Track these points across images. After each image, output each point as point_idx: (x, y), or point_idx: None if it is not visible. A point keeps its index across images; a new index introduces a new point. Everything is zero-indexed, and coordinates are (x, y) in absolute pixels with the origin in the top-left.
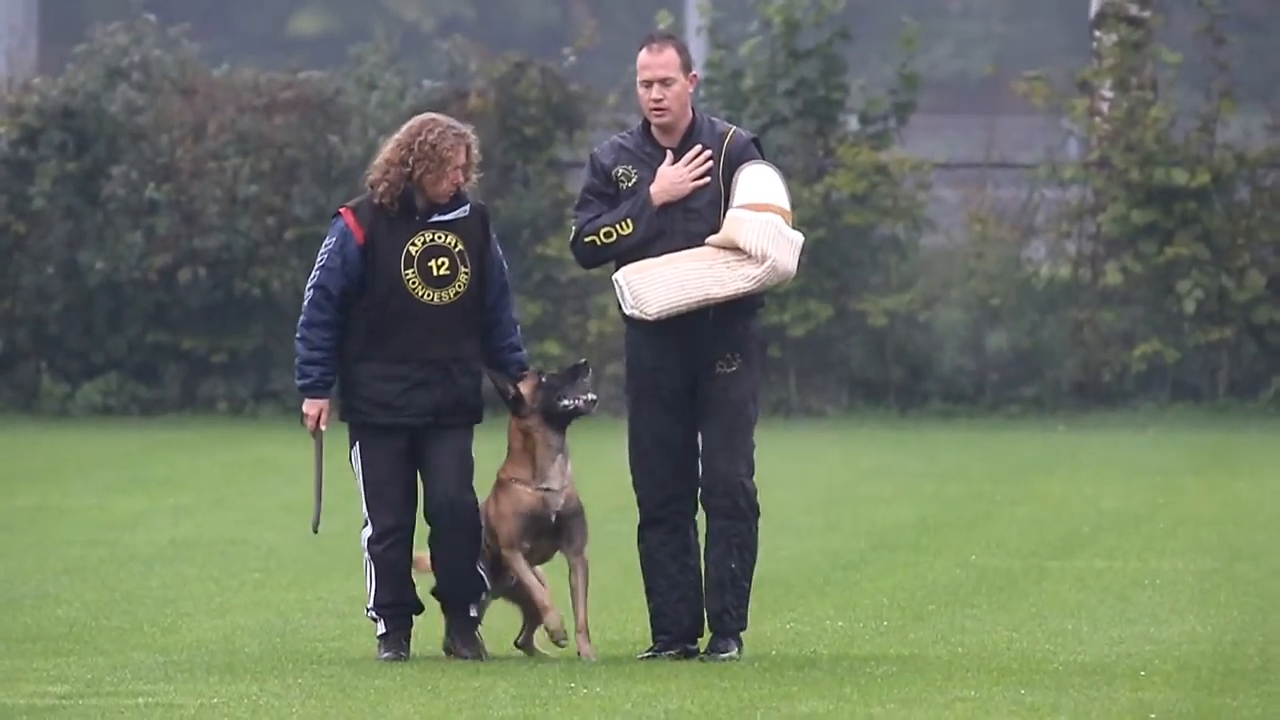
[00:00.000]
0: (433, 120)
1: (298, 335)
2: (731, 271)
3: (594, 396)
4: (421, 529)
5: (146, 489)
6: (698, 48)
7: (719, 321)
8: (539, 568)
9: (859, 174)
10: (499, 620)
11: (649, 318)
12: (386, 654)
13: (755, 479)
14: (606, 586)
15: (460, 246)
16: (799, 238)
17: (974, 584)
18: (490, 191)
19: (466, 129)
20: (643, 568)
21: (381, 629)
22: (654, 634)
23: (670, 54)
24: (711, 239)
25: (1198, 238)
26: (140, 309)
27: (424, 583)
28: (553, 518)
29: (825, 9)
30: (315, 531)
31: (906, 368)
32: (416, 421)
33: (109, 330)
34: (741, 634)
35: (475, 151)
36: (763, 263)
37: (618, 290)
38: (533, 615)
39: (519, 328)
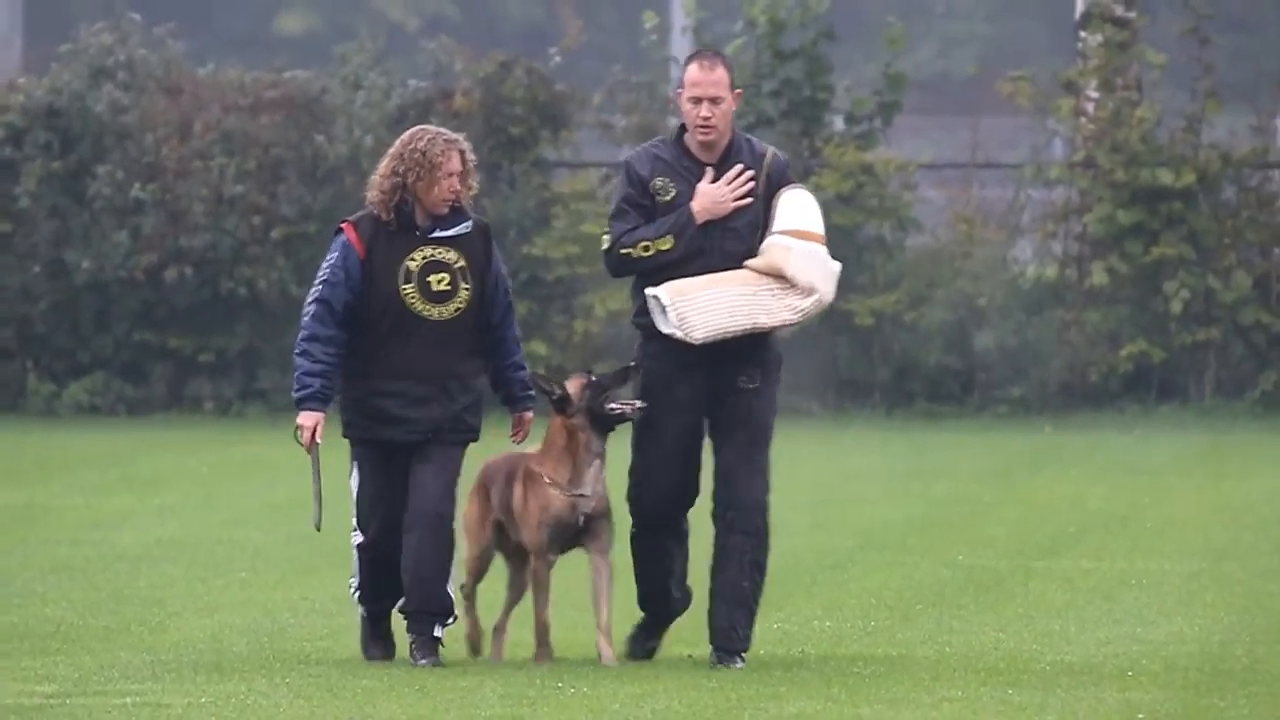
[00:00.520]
0: (422, 129)
1: (298, 350)
2: (777, 301)
3: (643, 404)
4: None
5: (133, 488)
6: (683, 48)
7: (743, 338)
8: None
9: (845, 174)
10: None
11: (695, 342)
12: (374, 650)
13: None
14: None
15: (461, 263)
16: (838, 267)
17: (961, 584)
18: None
19: (458, 136)
20: (638, 562)
21: (363, 612)
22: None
23: (721, 72)
24: (753, 263)
25: (1184, 238)
26: (126, 308)
27: None
28: (580, 521)
29: (810, 9)
30: (318, 529)
31: (893, 368)
32: (414, 438)
33: (95, 330)
34: (744, 654)
35: (471, 160)
36: (809, 295)
37: (653, 306)
38: (514, 599)
39: (521, 346)
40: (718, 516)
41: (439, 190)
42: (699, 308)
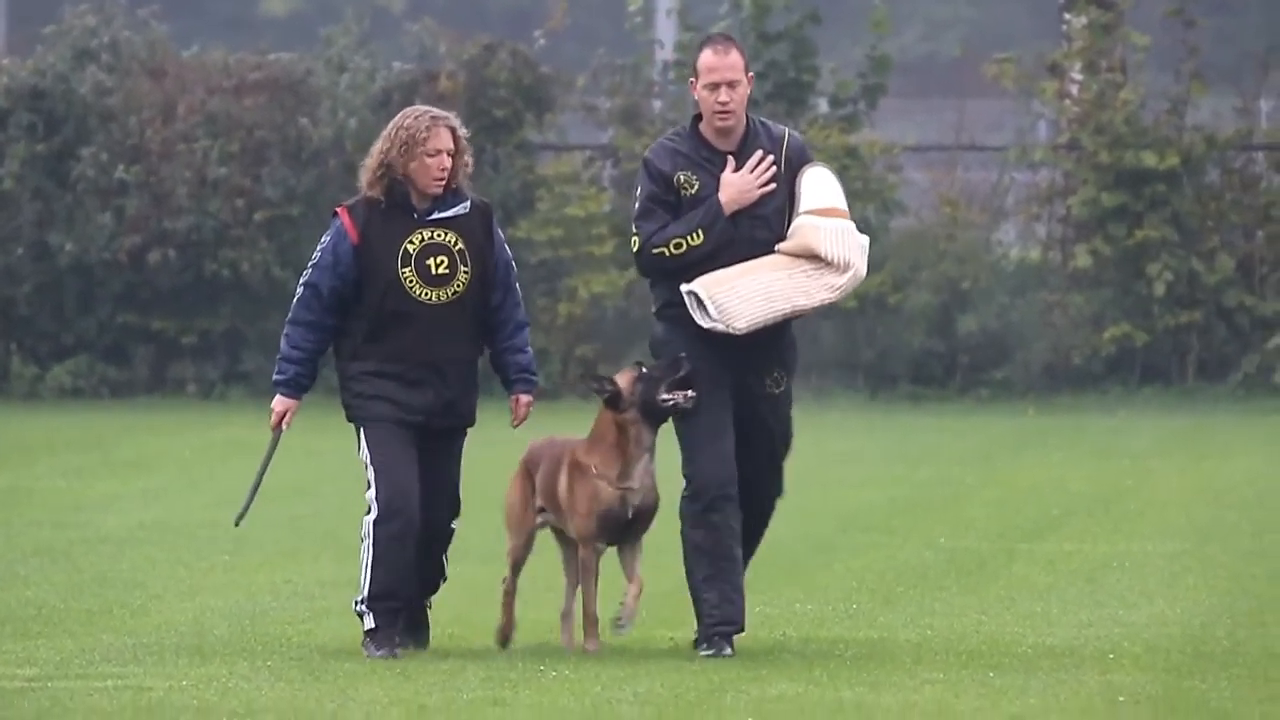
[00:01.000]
0: (411, 108)
1: (284, 332)
2: (813, 281)
3: (694, 393)
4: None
5: (116, 471)
6: (668, 30)
7: (770, 332)
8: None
9: (829, 156)
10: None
11: (738, 332)
12: (379, 651)
13: None
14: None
15: (460, 245)
16: (867, 240)
17: (943, 567)
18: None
19: (448, 114)
20: (702, 552)
21: (370, 624)
22: (715, 624)
23: (735, 56)
24: (783, 246)
25: (1167, 220)
26: (110, 290)
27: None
28: (630, 514)
29: None
30: (237, 525)
31: (876, 350)
32: (409, 419)
33: (79, 312)
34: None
35: (463, 137)
36: (845, 271)
37: (691, 302)
38: (575, 582)
39: (528, 330)
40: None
41: (427, 168)
42: (738, 297)
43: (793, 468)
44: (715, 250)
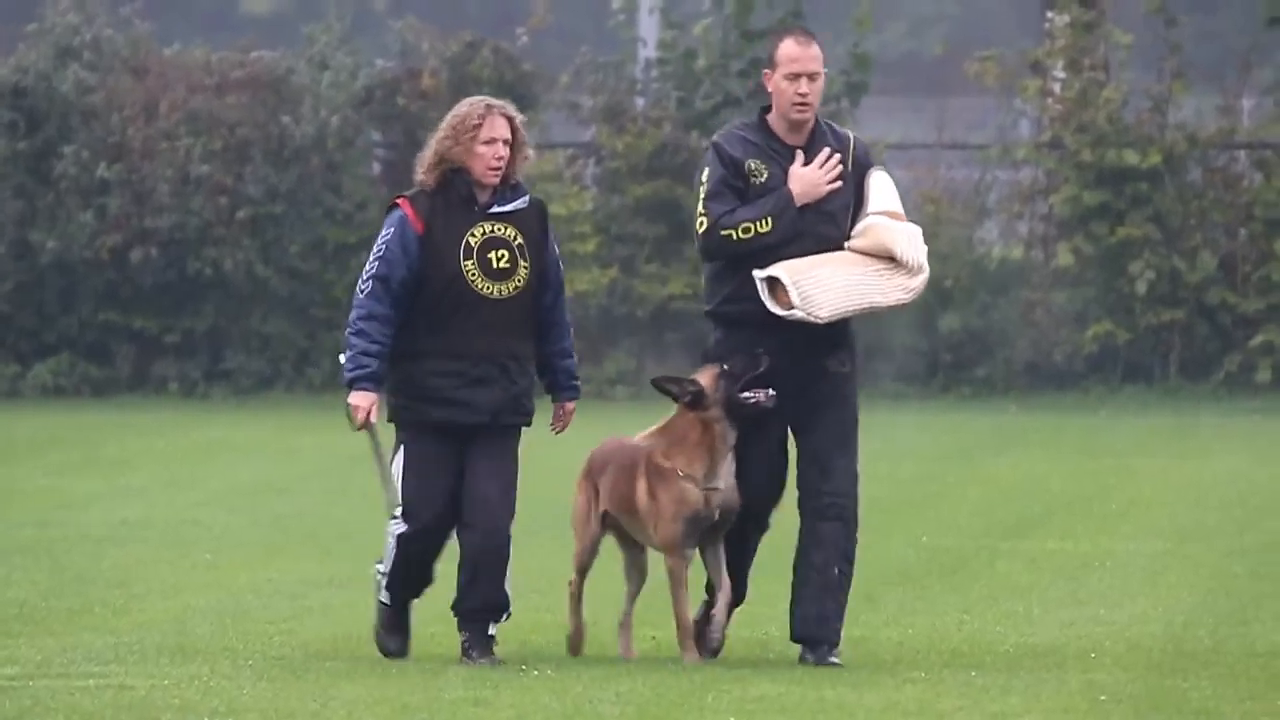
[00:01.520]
0: (470, 97)
1: (352, 330)
2: (886, 281)
3: (774, 391)
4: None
5: (98, 469)
6: (650, 29)
7: (831, 326)
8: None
9: None
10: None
11: (820, 320)
12: (391, 643)
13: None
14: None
15: (520, 239)
16: (926, 248)
17: (925, 565)
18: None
19: (504, 102)
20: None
21: (386, 598)
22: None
23: (816, 48)
24: (856, 244)
25: (1149, 218)
26: (92, 289)
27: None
28: (716, 515)
29: None
30: (390, 510)
31: (859, 348)
32: (472, 419)
33: (60, 310)
34: (837, 646)
35: (521, 127)
36: (918, 274)
37: (763, 288)
38: (635, 590)
39: (570, 332)
40: (807, 503)
41: (481, 158)
42: (821, 287)
43: None
44: (781, 240)
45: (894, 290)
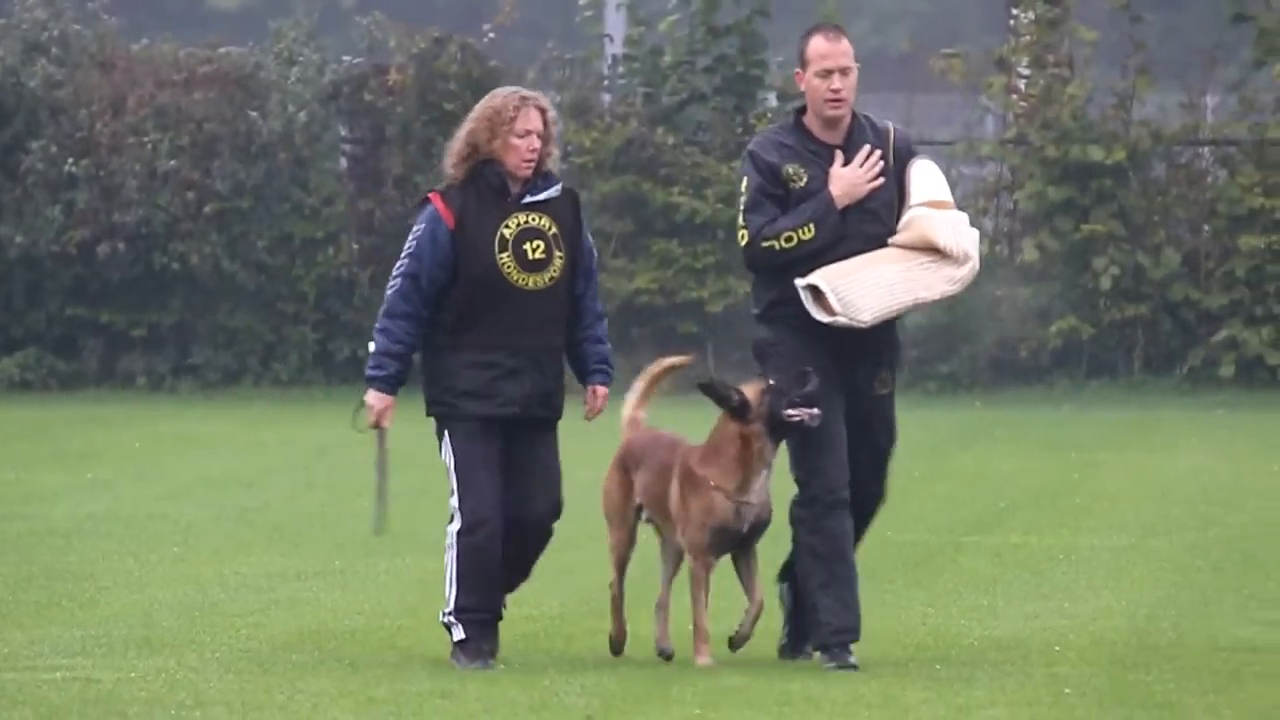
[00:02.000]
0: (502, 88)
1: (379, 327)
2: (932, 274)
3: (819, 411)
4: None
5: (65, 463)
6: (617, 25)
7: (876, 332)
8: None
9: None
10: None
11: (863, 324)
12: (472, 664)
13: None
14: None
15: (554, 229)
16: (977, 234)
17: (891, 559)
18: (410, 166)
19: (538, 94)
20: (818, 557)
21: (460, 634)
22: (833, 633)
23: (846, 43)
24: (899, 239)
25: (1114, 214)
26: (59, 283)
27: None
28: (745, 529)
29: None
30: (377, 534)
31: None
32: (504, 412)
33: (28, 304)
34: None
35: (554, 119)
36: (964, 263)
37: (807, 296)
38: (672, 572)
39: (603, 320)
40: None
41: (515, 149)
42: (861, 289)
43: None
44: (826, 244)
45: (939, 283)
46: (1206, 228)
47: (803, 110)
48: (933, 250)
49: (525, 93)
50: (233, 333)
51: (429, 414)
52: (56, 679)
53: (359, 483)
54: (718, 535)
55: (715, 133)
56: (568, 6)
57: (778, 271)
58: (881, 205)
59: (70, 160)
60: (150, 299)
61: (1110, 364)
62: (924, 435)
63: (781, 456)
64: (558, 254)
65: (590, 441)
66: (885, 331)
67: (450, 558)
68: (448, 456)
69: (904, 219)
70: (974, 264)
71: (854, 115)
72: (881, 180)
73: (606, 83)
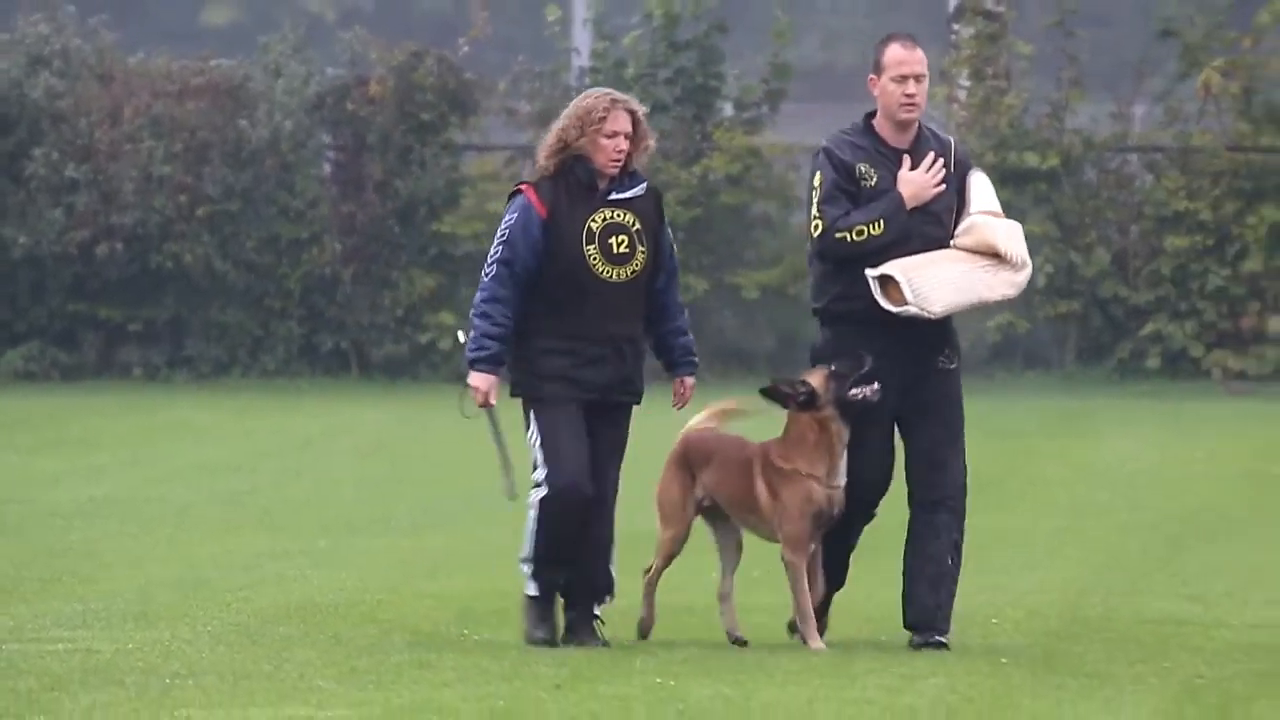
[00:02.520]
0: (594, 89)
1: (477, 312)
2: (993, 276)
3: (879, 385)
4: None
5: (66, 449)
6: (584, 39)
7: (939, 321)
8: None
9: (734, 157)
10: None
11: (933, 315)
12: (537, 632)
13: None
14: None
15: (638, 225)
16: (1026, 245)
17: None
18: (389, 171)
19: (629, 97)
20: (826, 546)
21: (533, 590)
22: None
23: (921, 51)
24: (962, 242)
25: (1048, 217)
26: (61, 281)
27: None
28: (836, 512)
29: (703, 3)
30: (512, 499)
31: (777, 337)
32: (585, 396)
33: (31, 301)
34: (947, 634)
35: (644, 122)
36: (1022, 269)
37: (876, 286)
38: (733, 564)
39: (685, 312)
40: (919, 495)
41: (603, 149)
42: (933, 283)
43: None
44: (893, 242)
45: (1000, 285)
46: (1134, 229)
47: (872, 115)
48: (993, 255)
49: (616, 95)
50: (223, 327)
51: (514, 394)
52: (59, 650)
53: (342, 468)
54: (815, 521)
55: (676, 140)
56: (537, 22)
57: (842, 266)
58: (943, 210)
59: (71, 166)
60: (146, 295)
61: (1045, 356)
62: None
63: None
64: (640, 249)
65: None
66: (940, 326)
67: (531, 517)
68: (533, 433)
69: (964, 224)
70: (1029, 270)
71: (919, 125)
72: (944, 186)
73: (573, 93)
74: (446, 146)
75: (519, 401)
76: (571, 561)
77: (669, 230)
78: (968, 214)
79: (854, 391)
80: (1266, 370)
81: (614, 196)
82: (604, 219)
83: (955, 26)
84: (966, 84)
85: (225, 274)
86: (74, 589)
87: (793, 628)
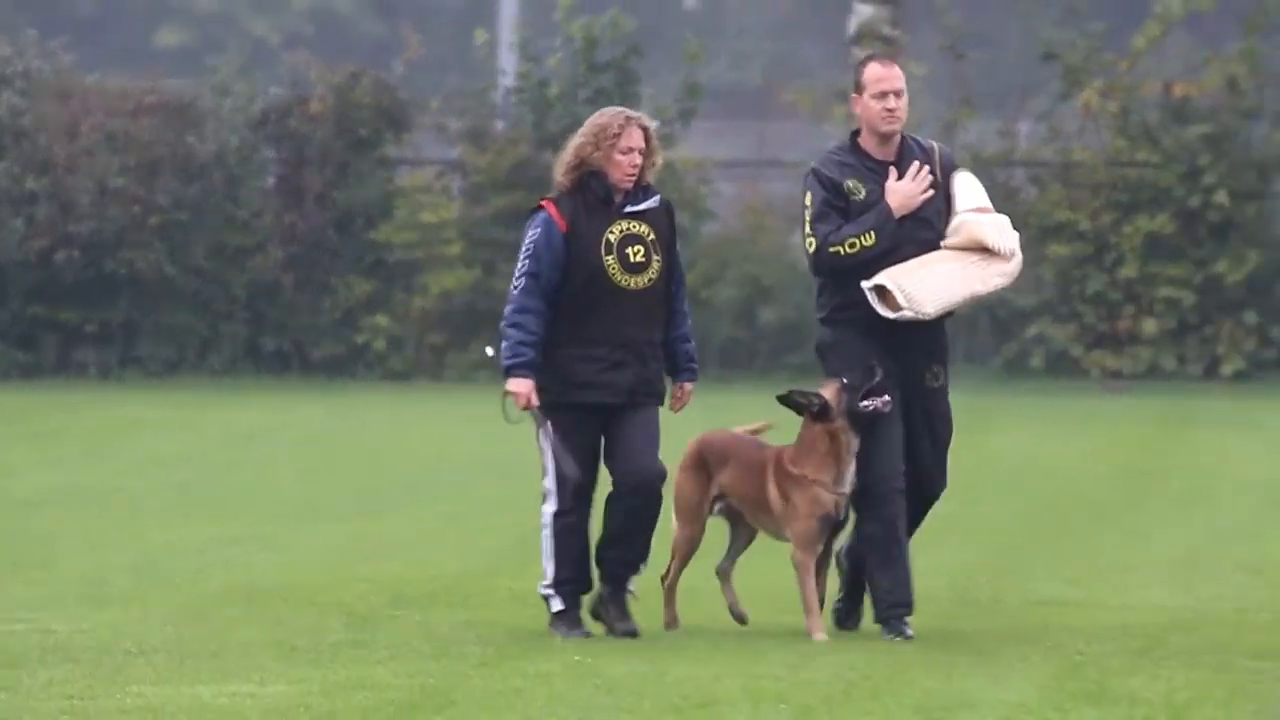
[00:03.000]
0: (609, 107)
1: (509, 323)
2: (984, 270)
3: (890, 398)
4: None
5: (27, 443)
6: (509, 60)
7: (927, 327)
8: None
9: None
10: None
11: (927, 317)
12: (572, 633)
13: None
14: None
15: (652, 236)
16: (1017, 234)
17: None
18: (328, 184)
19: (641, 114)
20: (876, 542)
21: (559, 605)
22: (889, 607)
23: (898, 68)
24: (951, 242)
25: None
26: (21, 286)
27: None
28: (843, 517)
29: (620, 28)
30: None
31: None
32: (610, 400)
33: None
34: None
35: (655, 138)
36: (1011, 259)
37: (873, 296)
38: (740, 549)
39: (689, 319)
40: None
41: (619, 165)
42: (923, 286)
43: None
44: (885, 250)
45: (993, 277)
46: (1020, 238)
47: (857, 133)
48: (982, 249)
49: (630, 113)
50: (173, 329)
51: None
52: (17, 630)
53: (284, 460)
54: (824, 524)
55: None
56: (467, 46)
57: (841, 277)
58: (933, 214)
59: (31, 178)
60: (101, 299)
61: None
62: (776, 420)
63: None
64: (655, 258)
65: None
66: (936, 330)
67: (546, 536)
68: (545, 441)
69: (953, 224)
70: (1019, 259)
71: (903, 136)
72: (932, 192)
73: (500, 111)
74: (382, 161)
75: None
76: (589, 566)
77: (679, 241)
78: (955, 214)
79: (865, 404)
80: (1141, 369)
81: (629, 209)
82: (621, 230)
83: (854, 49)
84: None
85: (175, 279)
86: (32, 573)
87: (836, 615)
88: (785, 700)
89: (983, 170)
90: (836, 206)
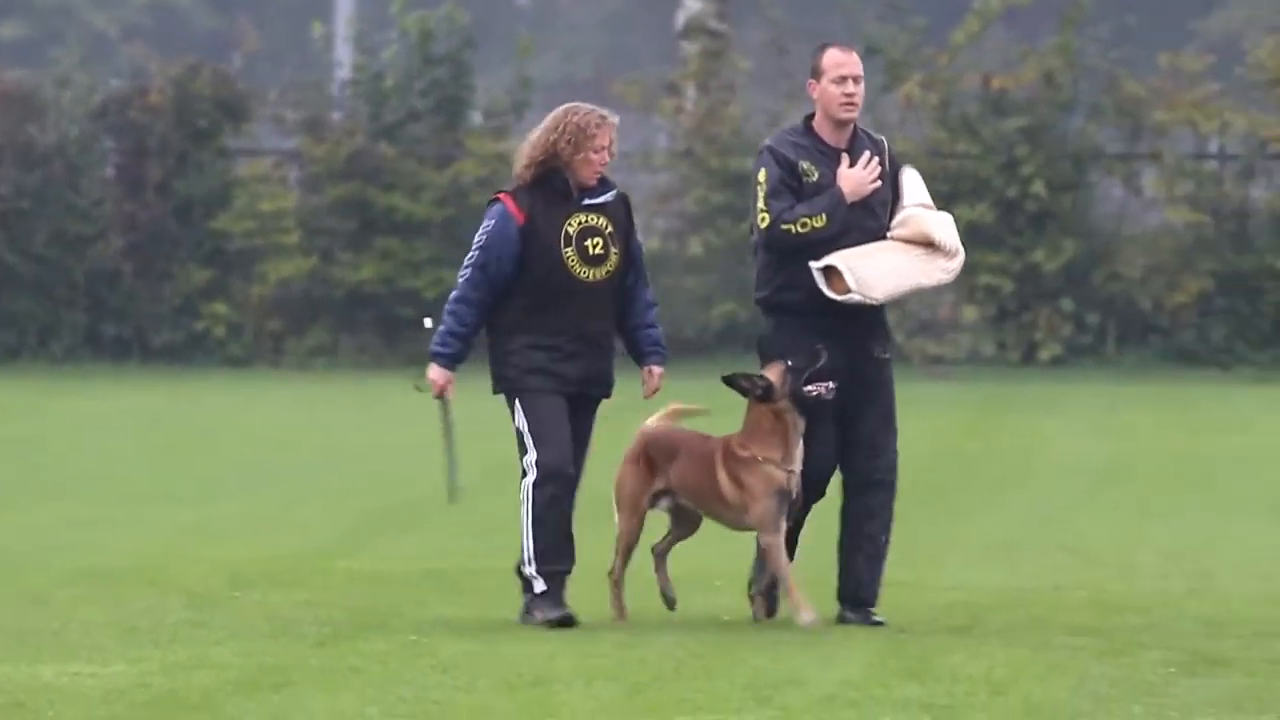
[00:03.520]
0: (577, 105)
1: (449, 309)
2: (928, 264)
3: (834, 384)
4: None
5: None
6: (346, 53)
7: (875, 310)
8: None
9: (483, 161)
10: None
11: (875, 302)
12: (554, 614)
13: None
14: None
15: (610, 228)
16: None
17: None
18: (168, 174)
19: (609, 113)
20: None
21: (541, 586)
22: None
23: (856, 55)
24: (898, 234)
25: None
26: None
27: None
28: (795, 494)
29: (455, 21)
30: (453, 502)
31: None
32: (564, 390)
33: None
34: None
35: (615, 137)
36: (954, 256)
37: (820, 277)
38: (678, 538)
39: (654, 309)
40: (857, 478)
41: (591, 163)
42: (874, 272)
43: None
44: (834, 234)
45: (935, 271)
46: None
47: (811, 116)
48: (928, 244)
49: (603, 111)
50: (13, 315)
51: (496, 391)
52: None
53: (126, 445)
54: (780, 499)
55: (430, 145)
56: (304, 38)
57: (787, 258)
58: (879, 204)
59: None
60: None
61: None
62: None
63: None
64: (614, 250)
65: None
66: (878, 314)
67: (525, 511)
68: (520, 419)
69: (900, 217)
70: (962, 257)
71: (854, 126)
72: (880, 182)
73: (336, 102)
74: (221, 151)
75: (501, 398)
76: (571, 547)
77: (637, 234)
78: (902, 207)
79: (809, 388)
80: (960, 355)
81: (588, 202)
82: (579, 223)
83: (683, 43)
84: (693, 95)
85: (16, 266)
86: None
87: (764, 593)
88: (617, 678)
89: None
90: (790, 186)
